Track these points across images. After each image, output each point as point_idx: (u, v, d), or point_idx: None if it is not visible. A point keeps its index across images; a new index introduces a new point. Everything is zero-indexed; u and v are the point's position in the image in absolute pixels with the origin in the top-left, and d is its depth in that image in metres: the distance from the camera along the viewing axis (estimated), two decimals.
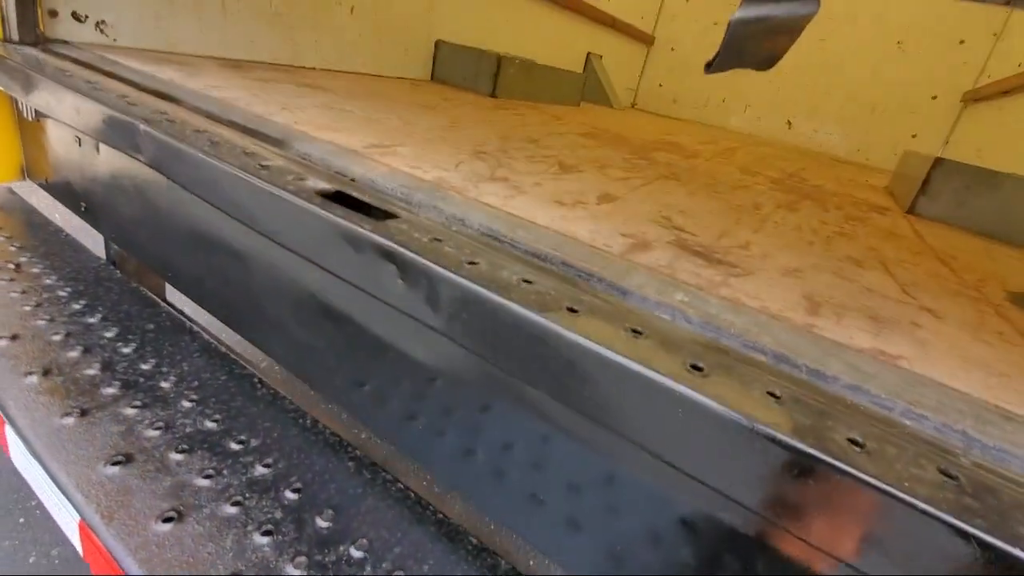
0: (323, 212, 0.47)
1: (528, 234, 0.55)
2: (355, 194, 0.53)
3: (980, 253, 1.11)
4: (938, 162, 1.38)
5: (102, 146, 0.80)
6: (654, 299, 0.45)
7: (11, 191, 1.11)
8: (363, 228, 0.45)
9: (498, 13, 2.41)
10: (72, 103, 0.75)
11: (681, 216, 0.83)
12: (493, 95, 2.07)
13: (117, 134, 0.69)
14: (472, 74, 2.09)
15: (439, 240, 0.45)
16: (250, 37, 1.49)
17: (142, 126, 0.63)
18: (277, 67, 1.48)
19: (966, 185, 1.36)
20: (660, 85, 4.10)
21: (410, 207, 0.56)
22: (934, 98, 3.22)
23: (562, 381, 0.37)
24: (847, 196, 1.52)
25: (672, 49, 3.99)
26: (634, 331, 0.36)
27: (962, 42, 3.07)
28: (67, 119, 0.78)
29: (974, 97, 2.94)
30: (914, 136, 3.31)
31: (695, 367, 0.34)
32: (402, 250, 0.43)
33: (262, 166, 0.56)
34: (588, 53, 3.27)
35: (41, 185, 1.06)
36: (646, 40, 3.93)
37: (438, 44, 2.14)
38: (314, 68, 1.70)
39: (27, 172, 1.14)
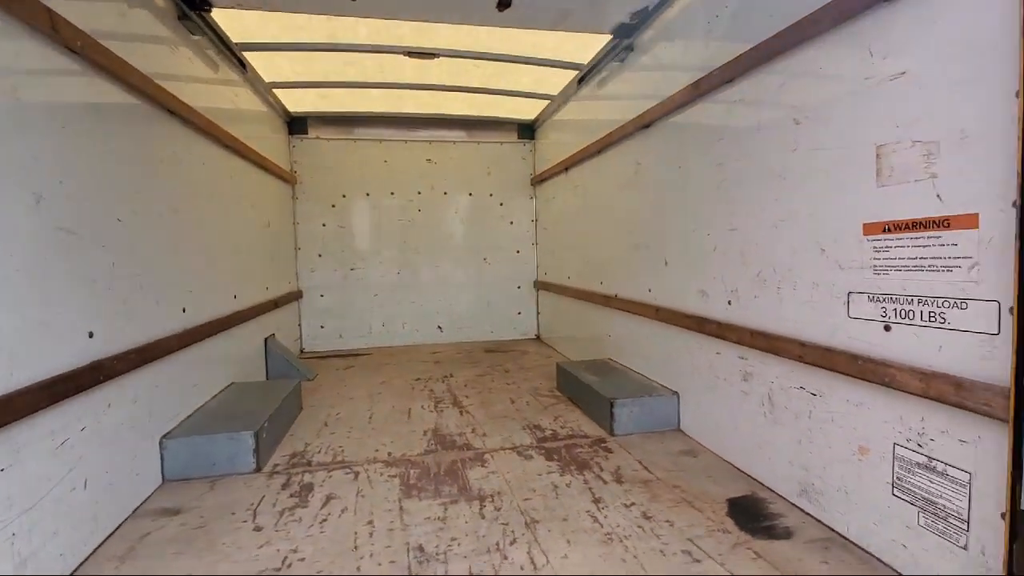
0: None
1: None
2: None
3: (697, 472, 1.96)
4: (613, 405, 2.25)
5: None
6: None
7: None
8: None
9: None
10: None
11: None
12: (259, 469, 1.99)
13: None
14: (229, 455, 1.95)
15: None
16: None
17: None
18: None
19: (631, 412, 2.28)
20: (322, 327, 4.41)
21: None
22: (519, 287, 4.71)
23: None
24: (568, 440, 2.25)
25: (321, 295, 4.40)
26: None
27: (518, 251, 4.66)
28: None
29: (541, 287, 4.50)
30: (519, 312, 4.73)
31: None
32: None
33: None
34: (265, 339, 3.33)
35: None
36: (297, 296, 4.21)
37: (163, 442, 1.91)
38: None
39: None
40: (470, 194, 4.61)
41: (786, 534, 1.49)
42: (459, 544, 1.47)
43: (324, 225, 4.38)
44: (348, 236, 4.43)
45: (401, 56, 3.03)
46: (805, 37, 1.52)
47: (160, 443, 1.91)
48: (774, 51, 1.64)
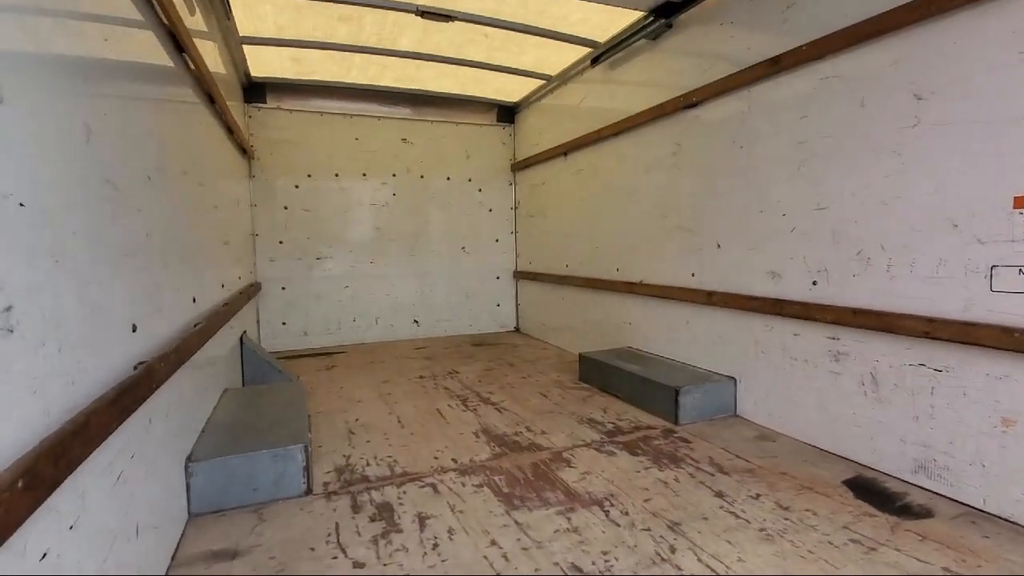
0: None
1: None
2: None
3: (792, 457, 1.90)
4: (678, 393, 2.16)
5: None
6: None
7: None
8: None
9: None
10: None
11: None
12: (309, 491, 1.64)
13: None
14: (275, 477, 1.58)
15: None
16: None
17: None
18: None
19: (695, 400, 2.20)
20: (284, 323, 3.90)
21: None
22: (498, 278, 4.50)
23: None
24: (636, 433, 2.13)
25: (283, 288, 3.88)
26: None
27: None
28: None
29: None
30: (499, 304, 4.51)
31: None
32: None
33: None
34: (240, 336, 2.84)
35: None
36: (256, 289, 3.68)
37: (189, 466, 1.50)
38: None
39: None
40: (448, 178, 4.31)
41: (926, 512, 1.48)
42: (616, 558, 1.28)
43: (286, 208, 3.86)
44: (314, 221, 3.94)
45: (409, 16, 2.71)
46: (930, 13, 1.51)
47: (186, 467, 1.50)
48: (885, 27, 1.62)
